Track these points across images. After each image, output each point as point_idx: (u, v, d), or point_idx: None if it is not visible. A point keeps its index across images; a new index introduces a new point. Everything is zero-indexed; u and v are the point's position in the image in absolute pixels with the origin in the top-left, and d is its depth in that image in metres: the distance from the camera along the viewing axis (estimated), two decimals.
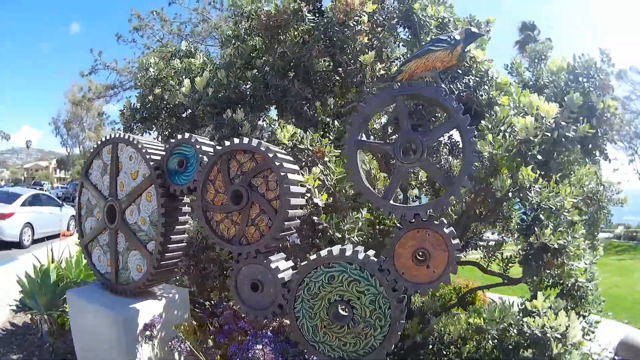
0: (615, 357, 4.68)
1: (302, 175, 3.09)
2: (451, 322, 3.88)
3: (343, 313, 2.58)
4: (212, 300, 4.22)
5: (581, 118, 3.52)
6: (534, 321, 3.35)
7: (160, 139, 4.29)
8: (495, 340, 3.59)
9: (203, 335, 3.60)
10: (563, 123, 3.31)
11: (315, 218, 3.06)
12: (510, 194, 3.64)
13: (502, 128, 3.27)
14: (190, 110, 3.65)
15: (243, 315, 3.40)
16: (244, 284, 2.80)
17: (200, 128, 3.51)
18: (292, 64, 3.76)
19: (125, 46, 15.62)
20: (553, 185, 3.57)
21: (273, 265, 2.70)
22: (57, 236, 9.87)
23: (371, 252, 2.60)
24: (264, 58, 3.86)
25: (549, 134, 3.27)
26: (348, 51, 3.70)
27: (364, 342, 2.52)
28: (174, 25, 14.90)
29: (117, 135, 3.36)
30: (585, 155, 3.68)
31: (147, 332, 3.23)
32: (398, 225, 2.47)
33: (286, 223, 2.64)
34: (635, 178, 26.73)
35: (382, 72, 3.79)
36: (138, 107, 4.05)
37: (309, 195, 3.11)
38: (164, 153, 3.17)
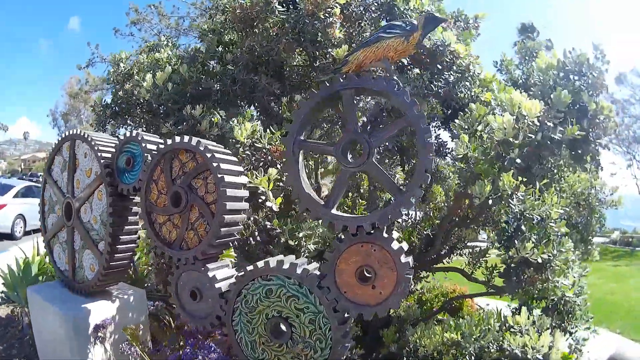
0: None
1: (256, 176, 2.73)
2: (427, 334, 3.45)
3: (283, 329, 2.21)
4: None
5: (571, 119, 3.03)
6: (514, 339, 2.93)
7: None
8: (473, 358, 3.16)
9: (162, 336, 3.31)
10: (548, 123, 2.83)
11: (268, 223, 2.70)
12: (490, 201, 3.18)
13: (479, 128, 2.81)
14: (155, 105, 3.34)
15: None
16: (184, 291, 2.48)
17: (163, 124, 3.21)
18: (261, 58, 3.39)
19: (123, 40, 14.84)
20: (537, 192, 3.10)
21: (211, 274, 2.37)
22: None
23: (313, 266, 2.22)
24: (233, 52, 3.50)
25: (532, 136, 2.80)
26: (319, 45, 3.30)
27: None
28: (172, 20, 14.14)
29: (75, 131, 3.08)
30: (574, 161, 3.17)
31: (99, 334, 2.96)
32: (340, 237, 2.08)
33: (224, 229, 2.29)
34: (633, 183, 25.20)
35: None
36: (109, 102, 3.77)
37: (263, 198, 2.75)
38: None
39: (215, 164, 2.27)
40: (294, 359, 2.19)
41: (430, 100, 3.27)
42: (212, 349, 2.49)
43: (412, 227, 4.22)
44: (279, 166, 2.86)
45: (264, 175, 2.71)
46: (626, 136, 24.49)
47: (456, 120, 2.83)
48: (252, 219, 2.83)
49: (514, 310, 3.65)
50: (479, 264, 4.18)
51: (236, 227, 2.40)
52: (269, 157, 2.86)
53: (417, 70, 3.51)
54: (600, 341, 4.29)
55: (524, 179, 2.80)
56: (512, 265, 3.23)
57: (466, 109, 2.88)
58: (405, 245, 2.06)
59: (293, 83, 3.70)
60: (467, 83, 3.28)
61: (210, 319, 2.38)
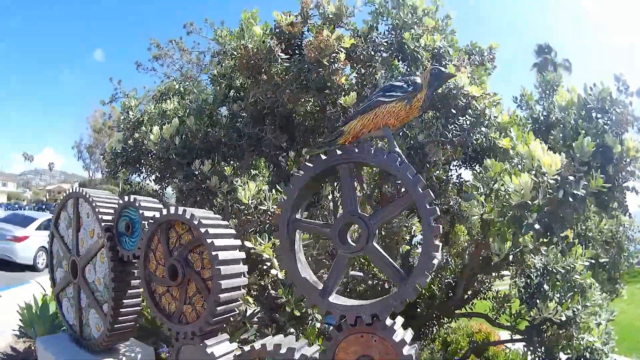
0: None
1: (260, 243, 2.60)
2: None
3: None
4: None
5: (595, 165, 2.76)
6: None
7: (149, 182, 3.97)
8: None
9: None
10: (570, 178, 2.57)
11: (273, 292, 2.56)
12: (511, 257, 2.95)
13: (495, 187, 2.58)
14: (164, 158, 3.26)
15: None
16: None
17: (171, 180, 3.12)
18: (267, 109, 3.24)
19: (146, 75, 14.87)
20: (560, 246, 2.85)
21: (208, 351, 2.25)
22: None
23: (313, 350, 2.07)
24: (239, 103, 3.37)
25: (552, 192, 2.55)
26: (327, 93, 3.14)
27: None
28: (192, 55, 14.14)
29: (77, 189, 3.04)
30: (600, 209, 2.89)
31: None
32: (337, 325, 1.91)
33: (220, 308, 2.17)
34: None
35: None
36: (119, 151, 3.72)
37: (268, 264, 2.61)
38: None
39: (209, 241, 2.15)
40: None
41: (446, 148, 3.07)
42: None
43: (433, 275, 4.00)
44: None
45: (268, 241, 2.57)
46: None
47: (470, 181, 2.62)
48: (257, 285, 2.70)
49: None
50: (502, 310, 3.91)
51: (235, 303, 2.27)
52: (272, 220, 2.72)
53: (431, 113, 3.31)
54: None
55: (544, 240, 2.55)
56: (534, 324, 2.99)
57: (480, 167, 2.66)
58: (409, 334, 1.88)
59: (305, 128, 3.51)
60: (483, 128, 3.06)
61: None
